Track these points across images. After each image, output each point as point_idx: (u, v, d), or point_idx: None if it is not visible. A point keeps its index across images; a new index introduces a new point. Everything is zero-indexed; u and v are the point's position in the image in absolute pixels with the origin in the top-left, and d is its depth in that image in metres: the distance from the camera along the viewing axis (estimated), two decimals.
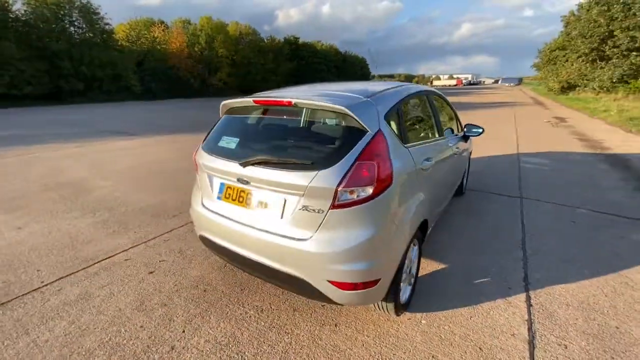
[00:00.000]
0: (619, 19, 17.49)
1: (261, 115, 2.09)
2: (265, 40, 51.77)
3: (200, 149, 2.14)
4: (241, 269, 1.98)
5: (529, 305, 2.05)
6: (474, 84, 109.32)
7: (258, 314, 1.99)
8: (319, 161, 1.59)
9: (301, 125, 1.85)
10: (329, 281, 1.56)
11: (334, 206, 1.53)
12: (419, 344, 1.75)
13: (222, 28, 42.76)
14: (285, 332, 1.84)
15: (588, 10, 19.83)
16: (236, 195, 1.84)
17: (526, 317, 1.95)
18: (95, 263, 2.54)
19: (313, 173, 1.55)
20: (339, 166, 1.54)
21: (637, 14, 16.57)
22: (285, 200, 1.65)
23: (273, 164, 1.67)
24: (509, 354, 1.68)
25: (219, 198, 1.94)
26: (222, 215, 1.88)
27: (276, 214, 1.68)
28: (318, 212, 1.55)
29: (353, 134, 1.63)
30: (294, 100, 1.73)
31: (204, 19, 41.54)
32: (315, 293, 1.63)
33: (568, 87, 27.85)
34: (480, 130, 3.29)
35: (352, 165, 1.53)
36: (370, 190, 1.53)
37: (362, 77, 77.71)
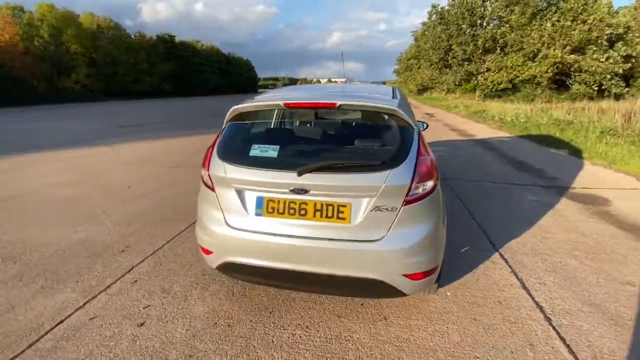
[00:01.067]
0: (454, 36, 22.63)
1: (288, 119, 1.96)
2: (133, 36, 45.20)
3: (220, 161, 1.82)
4: (281, 286, 1.81)
5: (506, 260, 2.58)
6: None
7: (306, 332, 1.85)
8: (386, 160, 1.62)
9: (342, 126, 1.83)
10: (404, 275, 1.62)
11: (406, 202, 1.58)
12: (458, 312, 1.99)
13: (72, 19, 35.23)
14: (346, 340, 1.78)
15: (433, 28, 24.93)
16: (285, 207, 1.67)
17: (509, 270, 2.46)
18: (44, 334, 1.85)
19: (385, 172, 1.57)
20: (407, 163, 1.60)
21: (466, 32, 21.80)
22: (354, 204, 1.60)
23: (338, 169, 1.60)
24: (518, 299, 2.10)
25: (258, 214, 1.71)
26: (266, 233, 1.68)
27: (343, 220, 1.62)
28: (391, 211, 1.58)
29: (404, 132, 1.72)
30: (338, 102, 1.69)
31: (44, 7, 33.29)
32: (388, 290, 1.65)
33: (423, 89, 34.56)
34: (425, 125, 3.84)
35: (416, 161, 1.63)
36: (431, 183, 1.65)
37: (248, 79, 76.51)
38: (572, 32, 17.77)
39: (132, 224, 3.30)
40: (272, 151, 1.78)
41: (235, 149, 1.87)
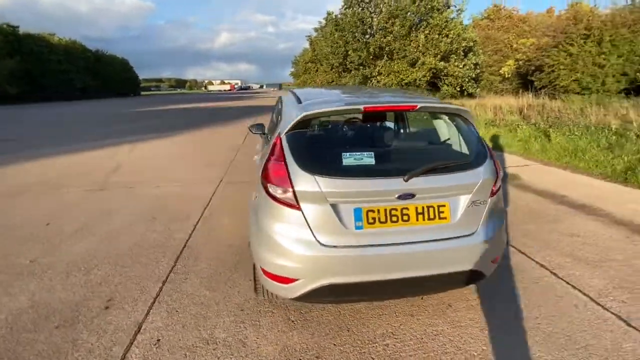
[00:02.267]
0: (350, 43, 24.72)
1: (346, 124, 1.87)
2: None
3: (307, 174, 1.62)
4: (374, 299, 1.74)
5: None
6: (244, 88, 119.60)
7: (395, 338, 1.84)
8: (473, 157, 1.75)
9: (411, 128, 1.86)
10: (492, 261, 1.78)
11: (492, 194, 1.75)
12: (500, 291, 2.27)
13: None
14: (436, 335, 1.86)
15: (331, 34, 26.67)
16: (387, 216, 1.62)
17: None
18: None
19: (480, 169, 1.71)
20: (489, 158, 1.78)
21: (360, 40, 24.05)
22: (452, 202, 1.68)
23: (440, 170, 1.65)
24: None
25: (359, 227, 1.61)
26: (369, 245, 1.61)
27: (444, 219, 1.67)
28: (482, 204, 1.73)
29: (474, 131, 1.89)
30: (419, 104, 1.72)
31: None
32: (477, 277, 1.78)
33: None
34: None
35: (492, 155, 1.81)
36: (501, 174, 1.87)
37: (127, 80, 66.41)
38: (440, 43, 21.67)
39: (93, 271, 2.56)
40: (367, 158, 1.69)
41: (322, 159, 1.72)
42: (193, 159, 6.70)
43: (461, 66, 22.08)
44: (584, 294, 2.18)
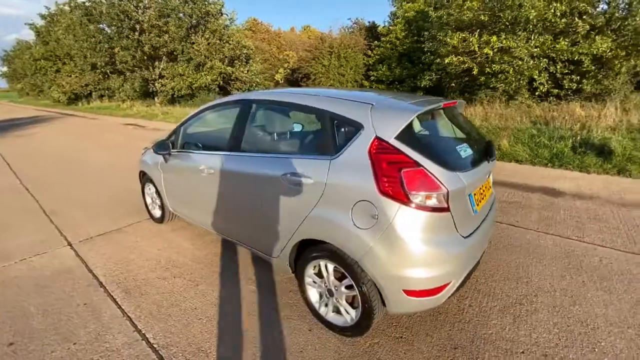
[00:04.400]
0: (116, 39, 20.44)
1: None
2: None
3: (450, 172, 1.69)
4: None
5: None
6: None
7: (460, 351, 1.81)
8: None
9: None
10: None
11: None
12: None
13: None
14: (494, 339, 1.92)
15: (82, 25, 20.83)
16: (481, 194, 1.99)
17: None
18: None
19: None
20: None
21: (129, 36, 20.36)
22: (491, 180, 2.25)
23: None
24: None
25: (476, 211, 1.89)
26: (480, 224, 1.94)
27: (493, 194, 2.25)
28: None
29: (467, 121, 2.52)
30: (457, 101, 2.20)
31: None
32: None
33: (76, 97, 28.34)
34: None
35: None
36: None
37: None
38: (222, 49, 22.27)
39: None
40: (468, 148, 1.96)
41: (446, 155, 1.82)
42: None
43: (245, 72, 23.78)
44: None
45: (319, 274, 2.00)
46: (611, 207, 3.68)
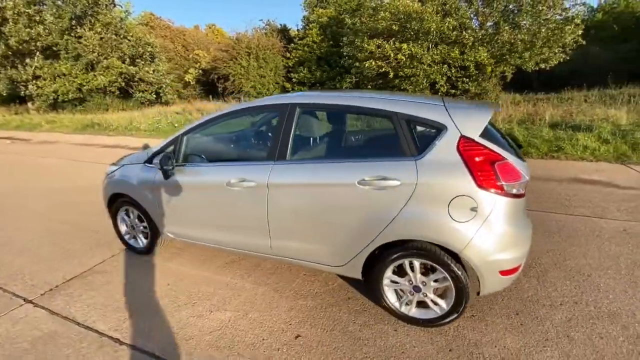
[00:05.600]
0: None
1: None
2: None
3: (522, 162, 1.96)
4: None
5: None
6: None
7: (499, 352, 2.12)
8: None
9: None
10: None
11: None
12: None
13: None
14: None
15: None
16: None
17: None
18: None
19: None
20: None
21: None
22: None
23: None
24: None
25: None
26: None
27: None
28: None
29: None
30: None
31: None
32: None
33: None
34: None
35: None
36: None
37: None
38: (121, 45, 19.35)
39: None
40: (511, 142, 2.23)
41: (509, 149, 2.03)
42: None
43: (151, 72, 21.22)
44: None
45: (400, 274, 2.04)
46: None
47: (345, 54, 16.43)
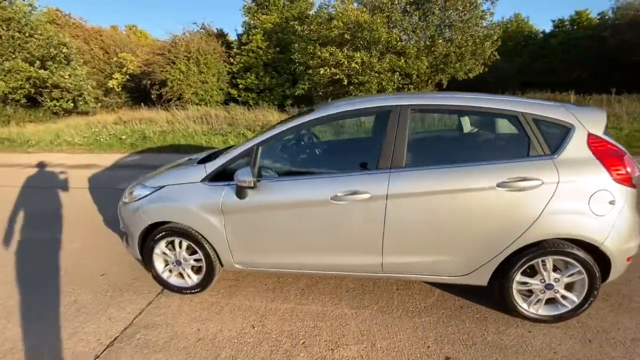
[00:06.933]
0: None
1: None
2: None
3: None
4: None
5: None
6: None
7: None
8: None
9: None
10: None
11: None
12: None
13: None
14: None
15: None
16: None
17: None
18: None
19: None
20: None
21: None
22: None
23: None
24: None
25: None
26: None
27: None
28: None
29: None
30: None
31: None
32: None
33: None
34: None
35: None
36: None
37: None
38: (27, 45, 16.17)
39: None
40: None
41: None
42: None
43: (67, 76, 18.18)
44: None
45: (530, 274, 2.06)
46: None
47: (296, 60, 16.40)
